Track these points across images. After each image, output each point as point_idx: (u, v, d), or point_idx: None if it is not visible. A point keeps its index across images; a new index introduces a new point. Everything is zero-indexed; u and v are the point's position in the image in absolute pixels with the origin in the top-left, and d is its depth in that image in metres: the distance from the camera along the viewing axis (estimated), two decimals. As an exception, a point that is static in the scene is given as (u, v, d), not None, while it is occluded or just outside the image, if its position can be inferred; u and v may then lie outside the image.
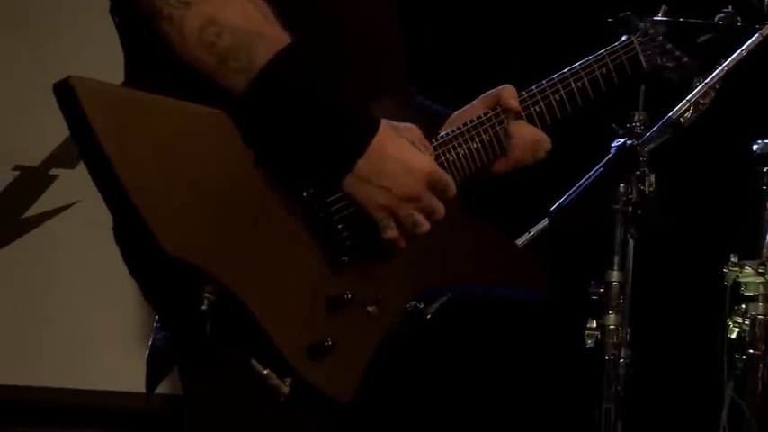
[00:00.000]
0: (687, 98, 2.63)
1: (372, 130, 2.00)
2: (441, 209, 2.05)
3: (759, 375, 3.07)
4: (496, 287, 2.42)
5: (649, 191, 3.05)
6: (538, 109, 2.34)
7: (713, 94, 2.79)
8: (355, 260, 2.06)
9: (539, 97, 2.35)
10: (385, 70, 2.23)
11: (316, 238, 2.03)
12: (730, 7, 3.08)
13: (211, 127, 1.95)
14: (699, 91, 2.69)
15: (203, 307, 1.93)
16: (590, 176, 2.49)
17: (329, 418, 2.06)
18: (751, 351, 3.08)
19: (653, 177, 3.07)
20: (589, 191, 2.48)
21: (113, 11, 2.05)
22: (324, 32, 2.11)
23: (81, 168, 4.54)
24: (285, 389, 1.96)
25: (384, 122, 2.03)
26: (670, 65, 2.55)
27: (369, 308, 2.07)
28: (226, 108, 1.93)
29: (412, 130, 2.08)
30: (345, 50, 2.15)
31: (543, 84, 2.36)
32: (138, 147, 1.88)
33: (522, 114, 2.32)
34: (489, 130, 2.28)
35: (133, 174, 1.87)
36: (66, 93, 1.83)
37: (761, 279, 3.08)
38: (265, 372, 1.95)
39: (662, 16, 3.26)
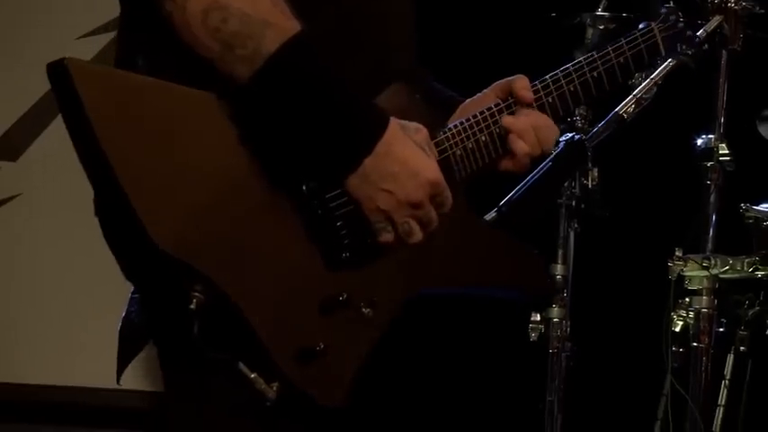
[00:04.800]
0: (633, 93, 2.64)
1: (382, 127, 1.94)
2: (436, 221, 2.00)
3: (702, 368, 3.08)
4: (495, 290, 2.37)
5: (592, 185, 3.09)
6: (551, 100, 2.23)
7: (655, 90, 2.80)
8: (352, 259, 2.00)
9: (552, 87, 2.24)
10: (397, 52, 2.16)
11: (312, 234, 1.97)
12: (672, 2, 3.13)
13: (205, 112, 1.89)
14: (645, 86, 2.70)
15: (191, 306, 1.88)
16: (538, 171, 2.48)
17: (318, 424, 2.01)
18: (695, 344, 3.09)
19: (596, 172, 3.11)
20: (538, 186, 2.46)
21: None
22: (333, 14, 2.04)
23: (23, 161, 4.50)
24: (272, 393, 1.91)
25: (393, 121, 1.96)
26: (690, 52, 2.43)
27: (364, 310, 2.01)
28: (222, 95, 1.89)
29: (420, 131, 2.01)
30: (356, 32, 2.08)
31: (557, 73, 2.26)
32: (132, 132, 1.84)
33: (534, 106, 2.22)
34: (500, 121, 2.19)
35: (125, 160, 1.82)
36: (60, 74, 1.80)
37: (705, 273, 3.09)
38: (252, 375, 1.90)
39: (602, 11, 3.32)
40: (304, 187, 1.95)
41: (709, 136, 3.17)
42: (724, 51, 3.06)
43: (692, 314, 3.13)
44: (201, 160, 1.88)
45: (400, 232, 1.97)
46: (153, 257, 1.83)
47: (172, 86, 1.87)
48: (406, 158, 1.95)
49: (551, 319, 3.24)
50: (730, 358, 3.15)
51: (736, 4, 2.91)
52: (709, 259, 3.11)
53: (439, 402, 4.08)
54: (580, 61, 2.28)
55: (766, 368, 3.14)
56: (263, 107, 1.90)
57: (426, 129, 2.02)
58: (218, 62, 1.87)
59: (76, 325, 4.19)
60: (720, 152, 3.16)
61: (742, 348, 3.12)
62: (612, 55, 2.30)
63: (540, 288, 2.33)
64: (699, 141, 3.18)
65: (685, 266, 3.09)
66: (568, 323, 3.28)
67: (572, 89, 2.25)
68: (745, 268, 3.09)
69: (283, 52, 1.87)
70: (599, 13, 3.33)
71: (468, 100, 2.25)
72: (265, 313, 1.91)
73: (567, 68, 2.26)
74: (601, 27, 3.26)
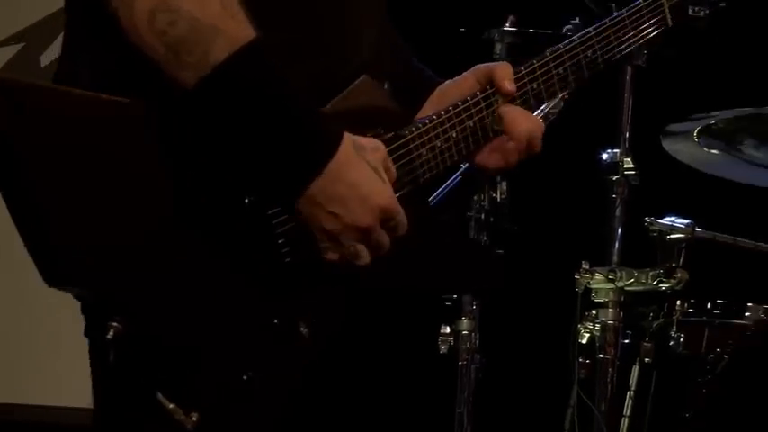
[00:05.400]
0: (542, 108, 2.67)
1: (333, 147, 1.83)
2: (387, 245, 1.88)
3: (608, 379, 3.13)
4: (446, 292, 2.42)
5: (501, 198, 3.14)
6: (535, 86, 2.08)
7: (562, 104, 2.84)
8: (293, 278, 1.90)
9: (539, 72, 2.08)
10: (367, 35, 2.02)
11: (249, 252, 1.87)
12: (578, 18, 3.17)
13: (129, 123, 1.79)
14: (553, 101, 2.73)
15: (108, 336, 1.79)
16: (448, 185, 2.48)
17: None
18: (601, 356, 3.14)
19: (504, 185, 3.16)
20: (446, 200, 2.45)
21: None
22: (293, 8, 1.93)
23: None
24: (191, 424, 1.82)
25: (347, 140, 1.85)
26: (701, 14, 2.25)
27: (302, 329, 1.90)
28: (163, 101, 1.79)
29: (377, 150, 1.89)
30: (321, 19, 1.97)
31: (546, 55, 2.09)
32: (45, 148, 1.74)
33: (517, 97, 2.06)
34: (474, 116, 2.04)
35: (38, 178, 1.73)
36: None
37: (611, 285, 3.13)
38: (171, 406, 1.81)
39: (510, 26, 3.36)
40: (246, 201, 1.85)
41: (615, 150, 3.21)
42: (628, 67, 3.13)
43: (598, 326, 3.17)
44: (117, 177, 1.78)
45: (346, 254, 1.87)
46: (64, 286, 1.77)
47: (87, 95, 1.77)
48: (356, 182, 1.84)
49: (460, 331, 3.27)
50: (635, 369, 3.16)
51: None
52: (614, 272, 3.14)
53: (349, 417, 4.10)
54: (573, 40, 2.12)
55: (670, 379, 3.16)
56: (206, 117, 1.80)
57: (384, 145, 1.91)
58: (165, 66, 1.77)
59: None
60: (625, 166, 3.20)
61: (647, 360, 3.13)
62: (611, 31, 2.13)
63: (490, 288, 2.31)
64: (604, 156, 3.22)
65: (592, 279, 3.13)
66: (477, 335, 3.30)
67: (561, 72, 2.09)
68: (650, 281, 3.12)
69: (232, 62, 1.77)
70: (506, 28, 3.35)
71: (446, 82, 2.12)
72: (187, 341, 1.83)
73: (559, 49, 2.10)
74: (508, 42, 3.30)
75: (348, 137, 1.84)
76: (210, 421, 1.82)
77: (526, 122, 2.04)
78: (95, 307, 1.78)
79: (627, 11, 2.14)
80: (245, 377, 1.83)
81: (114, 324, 1.79)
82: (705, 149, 3.24)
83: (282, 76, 1.80)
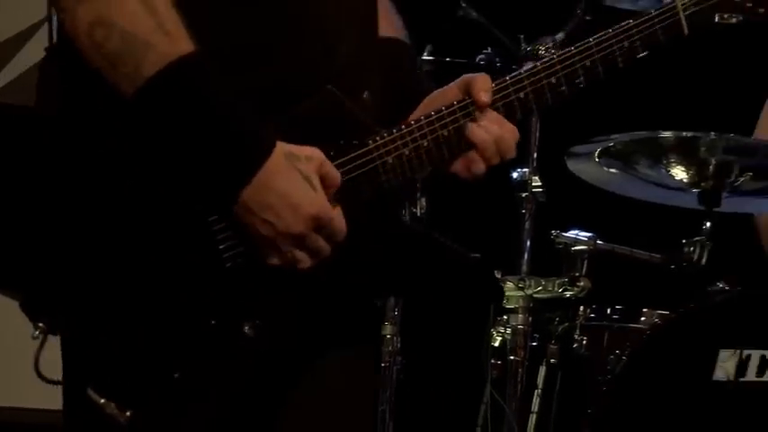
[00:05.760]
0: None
1: (262, 158, 1.81)
2: (325, 250, 1.86)
3: (518, 379, 3.23)
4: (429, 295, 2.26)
5: (421, 213, 3.22)
6: (522, 95, 1.97)
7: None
8: (236, 282, 1.86)
9: (526, 82, 1.98)
10: (343, 49, 1.96)
11: (190, 256, 1.85)
12: (490, 49, 3.34)
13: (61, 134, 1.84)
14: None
15: (35, 335, 1.83)
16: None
17: None
18: (511, 357, 3.25)
19: (424, 201, 3.22)
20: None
21: None
22: (258, 15, 1.91)
23: None
24: (124, 419, 1.81)
25: (278, 150, 1.83)
26: (733, 20, 2.07)
27: (246, 330, 1.86)
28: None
29: (311, 160, 1.85)
30: (283, 31, 1.93)
31: (537, 65, 1.99)
32: None
33: (490, 109, 1.96)
34: (449, 125, 1.96)
35: None
36: None
37: (520, 293, 3.25)
38: (102, 401, 1.81)
39: (427, 55, 3.39)
40: (187, 207, 1.85)
41: (524, 170, 3.32)
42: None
43: (509, 330, 3.27)
44: (50, 181, 1.82)
45: (286, 260, 1.85)
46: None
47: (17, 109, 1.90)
48: (285, 191, 1.82)
49: (384, 335, 3.35)
50: (542, 370, 3.23)
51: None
52: (524, 280, 3.25)
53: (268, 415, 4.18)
54: (570, 49, 2.01)
55: (574, 378, 3.23)
56: (144, 127, 1.81)
57: (324, 154, 1.87)
58: (104, 75, 1.80)
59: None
60: (533, 184, 3.32)
61: (552, 361, 3.21)
62: (614, 40, 2.00)
63: (487, 291, 2.31)
64: (514, 174, 3.34)
65: (504, 287, 3.23)
66: (399, 339, 3.39)
67: (553, 81, 1.98)
68: (556, 289, 3.23)
69: (161, 76, 1.78)
70: (425, 57, 3.43)
71: (435, 92, 2.05)
72: (116, 340, 1.82)
73: (552, 59, 2.00)
74: (426, 69, 3.34)
75: (281, 146, 1.82)
76: (144, 417, 1.81)
77: (496, 128, 1.96)
78: (25, 309, 1.81)
79: (634, 20, 2.02)
80: (175, 375, 1.81)
81: (40, 325, 1.82)
82: (605, 169, 3.30)
83: (215, 89, 1.80)
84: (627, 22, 2.01)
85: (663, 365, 3.04)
